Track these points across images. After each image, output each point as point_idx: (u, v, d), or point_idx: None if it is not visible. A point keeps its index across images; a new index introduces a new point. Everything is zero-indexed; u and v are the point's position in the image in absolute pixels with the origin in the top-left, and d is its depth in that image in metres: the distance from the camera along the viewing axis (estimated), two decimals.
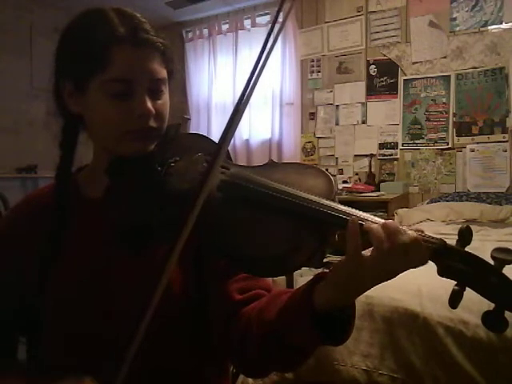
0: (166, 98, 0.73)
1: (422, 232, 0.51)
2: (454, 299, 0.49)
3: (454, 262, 0.49)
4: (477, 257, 0.49)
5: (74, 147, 0.78)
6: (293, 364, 0.67)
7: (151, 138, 0.71)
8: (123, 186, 0.69)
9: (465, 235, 0.50)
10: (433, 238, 0.50)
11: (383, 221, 0.52)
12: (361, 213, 0.54)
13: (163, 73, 0.71)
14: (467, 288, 0.49)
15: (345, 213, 0.53)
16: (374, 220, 0.53)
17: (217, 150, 0.54)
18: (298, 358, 0.62)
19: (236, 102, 0.54)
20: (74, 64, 0.69)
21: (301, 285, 0.59)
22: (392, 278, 0.52)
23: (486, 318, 0.48)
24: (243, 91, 0.54)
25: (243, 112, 0.55)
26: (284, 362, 0.64)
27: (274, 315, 0.60)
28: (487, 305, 0.49)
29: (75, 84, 0.70)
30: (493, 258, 0.49)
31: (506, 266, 0.48)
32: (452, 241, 0.51)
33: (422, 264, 0.49)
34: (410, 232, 0.50)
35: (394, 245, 0.49)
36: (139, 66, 0.67)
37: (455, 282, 0.50)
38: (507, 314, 0.48)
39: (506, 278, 0.48)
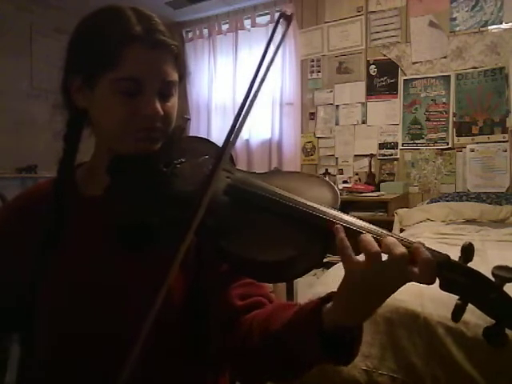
0: (174, 101, 0.72)
1: (424, 246, 0.51)
2: (457, 313, 0.50)
3: (457, 276, 0.49)
4: (479, 273, 0.50)
5: (78, 142, 0.77)
6: (290, 376, 0.66)
7: (156, 139, 0.70)
8: (124, 185, 0.68)
9: (467, 252, 0.51)
10: (436, 251, 0.51)
11: (388, 233, 0.52)
12: (363, 223, 0.54)
13: (175, 76, 0.70)
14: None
15: (349, 222, 0.53)
16: (379, 233, 0.53)
17: (220, 152, 0.54)
18: (297, 371, 0.63)
19: (237, 103, 0.54)
20: (86, 58, 0.68)
21: (301, 285, 0.59)
22: (396, 290, 0.51)
23: (487, 333, 0.49)
24: (246, 95, 0.54)
25: (248, 115, 0.55)
26: (282, 373, 0.64)
27: (279, 328, 0.59)
28: None
29: (85, 79, 0.69)
30: (493, 275, 0.49)
31: (507, 284, 0.48)
32: (452, 240, 0.52)
33: (431, 281, 0.49)
34: (421, 249, 0.49)
35: (391, 258, 0.49)
36: (152, 66, 0.67)
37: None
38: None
39: (507, 295, 0.48)
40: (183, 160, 0.69)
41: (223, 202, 0.60)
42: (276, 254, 0.54)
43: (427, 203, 3.17)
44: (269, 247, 0.55)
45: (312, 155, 3.96)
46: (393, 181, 3.54)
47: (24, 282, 0.72)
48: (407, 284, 0.50)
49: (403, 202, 3.34)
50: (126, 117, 0.67)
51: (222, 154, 0.54)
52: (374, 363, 1.35)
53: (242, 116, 0.54)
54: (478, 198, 3.01)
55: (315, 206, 0.55)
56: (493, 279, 0.49)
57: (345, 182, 3.69)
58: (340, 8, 3.80)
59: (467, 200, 3.01)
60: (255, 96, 0.54)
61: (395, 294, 0.51)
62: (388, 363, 1.33)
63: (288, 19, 0.62)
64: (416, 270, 0.49)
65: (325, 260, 0.57)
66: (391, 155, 3.60)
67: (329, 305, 0.55)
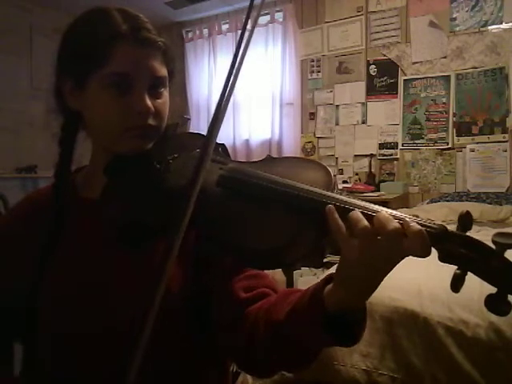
0: (165, 98, 0.73)
1: (418, 217, 0.50)
2: (456, 283, 0.48)
3: (455, 246, 0.48)
4: (478, 241, 0.48)
5: (74, 145, 0.78)
6: (300, 364, 0.66)
7: (149, 136, 0.71)
8: (121, 185, 0.69)
9: (465, 220, 0.49)
10: (432, 223, 0.50)
11: (382, 208, 0.51)
12: (359, 202, 0.53)
13: (164, 71, 0.72)
14: (470, 275, 0.48)
15: (343, 201, 0.52)
16: (371, 208, 0.52)
17: (205, 143, 0.54)
18: (305, 358, 0.62)
19: (237, 103, 0.54)
20: (76, 60, 0.69)
21: (301, 285, 0.59)
22: (396, 264, 0.50)
23: (489, 301, 0.47)
24: (225, 83, 0.55)
25: (228, 102, 0.55)
26: (291, 362, 0.64)
27: (283, 315, 0.59)
28: None
29: (76, 81, 0.70)
30: (494, 242, 0.48)
31: (508, 251, 0.47)
32: None
33: (425, 253, 0.48)
34: (412, 223, 0.49)
35: (385, 234, 0.48)
36: (140, 62, 0.68)
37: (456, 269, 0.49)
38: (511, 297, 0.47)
39: (508, 261, 0.47)
40: (176, 156, 0.69)
41: (216, 193, 0.60)
42: (271, 240, 0.54)
43: (427, 203, 3.16)
44: (263, 234, 0.55)
45: (312, 155, 3.96)
46: (393, 181, 3.55)
47: (25, 283, 0.72)
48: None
49: (403, 202, 3.34)
50: (118, 115, 0.68)
51: (208, 144, 0.54)
52: (374, 363, 1.35)
53: (223, 102, 0.54)
54: (478, 198, 3.01)
55: (307, 188, 0.55)
56: (493, 247, 0.48)
57: (345, 181, 3.69)
58: (340, 8, 3.80)
59: (467, 200, 3.01)
60: (235, 80, 0.54)
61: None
62: (388, 363, 1.33)
63: None
64: (409, 243, 0.48)
65: (325, 260, 0.56)
66: (391, 155, 3.60)
67: (330, 286, 0.55)
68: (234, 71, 0.55)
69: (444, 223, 0.49)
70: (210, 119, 0.54)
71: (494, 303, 0.47)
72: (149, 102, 0.68)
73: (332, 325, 0.54)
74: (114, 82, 0.67)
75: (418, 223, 0.49)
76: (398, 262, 0.50)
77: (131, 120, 0.68)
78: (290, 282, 2.76)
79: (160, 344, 0.67)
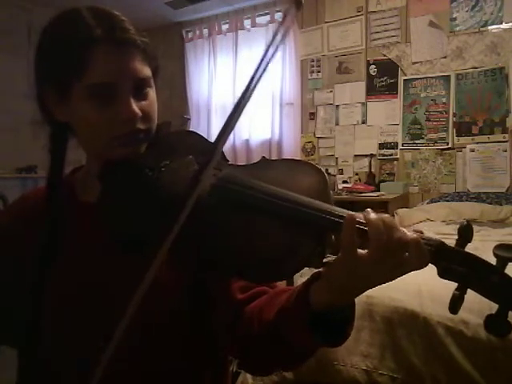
0: (152, 98, 0.70)
1: (422, 233, 0.50)
2: (455, 304, 0.47)
3: (453, 263, 0.47)
4: (476, 257, 0.48)
5: (64, 154, 0.75)
6: (294, 363, 0.67)
7: (140, 140, 0.68)
8: (115, 192, 0.68)
9: (465, 233, 0.49)
10: (431, 239, 0.49)
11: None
12: (357, 214, 0.53)
13: (146, 71, 0.68)
14: (469, 290, 0.48)
15: (339, 215, 0.52)
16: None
17: (209, 157, 0.53)
18: (299, 357, 0.62)
19: (234, 105, 0.54)
20: (54, 71, 0.66)
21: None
22: (389, 280, 0.50)
23: (489, 322, 0.46)
24: (242, 95, 0.54)
25: (239, 117, 0.54)
26: (285, 361, 0.64)
27: (272, 316, 0.60)
28: (488, 304, 0.48)
29: (58, 92, 0.67)
30: (495, 255, 0.47)
31: (509, 264, 0.46)
32: (452, 241, 0.50)
33: (422, 266, 0.48)
34: (409, 232, 0.49)
35: (392, 239, 0.48)
36: (120, 67, 0.64)
37: (456, 284, 0.49)
38: (511, 316, 0.46)
39: (509, 277, 0.46)
40: (167, 162, 0.67)
41: (207, 203, 0.58)
42: (265, 253, 0.53)
43: (427, 203, 3.17)
44: (257, 247, 0.54)
45: (312, 155, 3.96)
46: (393, 181, 3.55)
47: (25, 283, 0.72)
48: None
49: (403, 202, 3.35)
50: (106, 124, 0.65)
51: (209, 161, 0.53)
52: (374, 363, 1.35)
53: (233, 118, 0.54)
54: (478, 198, 3.01)
55: (302, 199, 0.54)
56: (494, 259, 0.47)
57: (345, 181, 3.69)
58: (340, 8, 3.80)
59: (467, 200, 3.01)
60: (252, 91, 0.53)
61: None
62: (388, 363, 1.33)
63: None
64: (407, 255, 0.48)
65: (325, 260, 0.56)
66: (391, 155, 3.60)
67: (316, 284, 0.55)
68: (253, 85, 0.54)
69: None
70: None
71: (494, 323, 0.46)
72: (135, 108, 0.65)
73: (318, 321, 0.53)
74: (96, 92, 0.64)
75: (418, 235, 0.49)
76: (395, 277, 0.50)
77: (119, 128, 0.65)
78: (290, 282, 2.76)
79: (160, 344, 0.67)
